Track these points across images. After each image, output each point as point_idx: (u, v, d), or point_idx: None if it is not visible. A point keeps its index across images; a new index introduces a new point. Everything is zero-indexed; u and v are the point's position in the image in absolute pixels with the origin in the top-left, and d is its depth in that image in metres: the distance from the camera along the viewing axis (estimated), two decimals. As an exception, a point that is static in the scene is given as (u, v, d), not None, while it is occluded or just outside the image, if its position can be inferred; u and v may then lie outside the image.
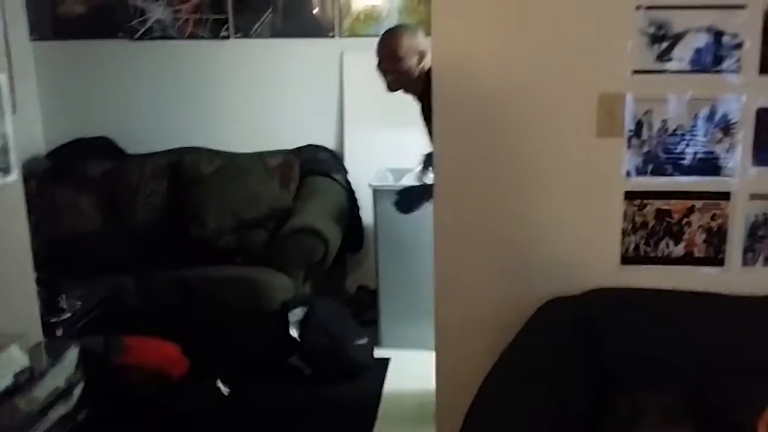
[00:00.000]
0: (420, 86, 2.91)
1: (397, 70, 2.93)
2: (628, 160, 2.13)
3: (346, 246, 4.14)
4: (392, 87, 3.00)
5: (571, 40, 2.10)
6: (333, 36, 4.33)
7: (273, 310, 3.59)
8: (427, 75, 2.85)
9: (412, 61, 2.92)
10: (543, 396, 1.90)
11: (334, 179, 4.21)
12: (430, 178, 3.04)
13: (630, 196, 2.15)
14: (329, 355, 3.53)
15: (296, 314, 3.61)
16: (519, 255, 2.22)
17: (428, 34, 4.21)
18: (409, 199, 3.25)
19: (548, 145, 2.16)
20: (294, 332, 3.55)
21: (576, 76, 2.12)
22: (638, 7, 2.05)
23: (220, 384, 3.19)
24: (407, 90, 3.01)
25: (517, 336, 2.04)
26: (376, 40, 4.28)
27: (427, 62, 2.90)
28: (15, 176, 2.44)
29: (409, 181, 3.60)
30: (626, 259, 2.17)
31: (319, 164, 4.24)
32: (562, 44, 2.10)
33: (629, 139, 2.12)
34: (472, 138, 2.20)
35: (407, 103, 4.13)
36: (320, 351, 3.53)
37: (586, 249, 2.19)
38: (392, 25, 3.12)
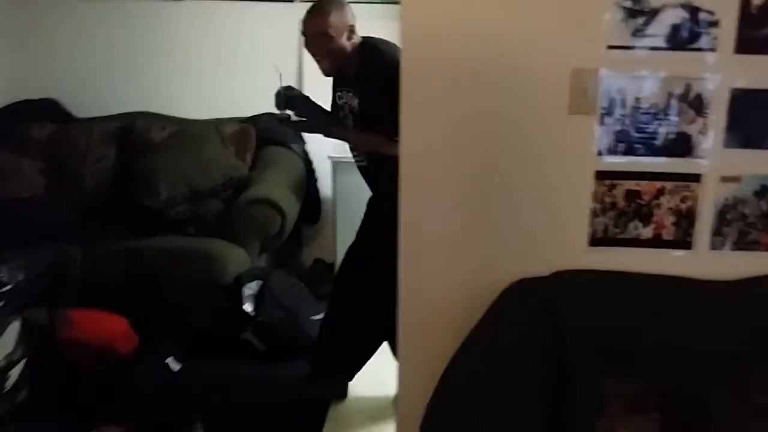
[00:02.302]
0: (356, 61, 2.77)
1: (328, 50, 2.73)
2: (600, 138, 2.06)
3: (303, 218, 4.04)
4: (329, 72, 2.80)
5: (544, 12, 2.01)
6: (292, 0, 4.19)
7: (227, 284, 3.49)
8: (360, 46, 2.76)
9: (343, 39, 2.73)
10: (505, 384, 1.86)
11: (292, 149, 4.10)
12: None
13: (600, 175, 2.08)
14: (284, 330, 3.46)
15: (251, 288, 3.52)
16: (487, 235, 2.15)
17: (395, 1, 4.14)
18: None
19: (519, 121, 2.08)
20: (248, 307, 3.45)
21: (548, 51, 2.03)
22: (615, -20, 1.97)
23: (170, 360, 3.09)
24: (344, 69, 2.80)
25: (479, 322, 1.99)
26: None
27: (356, 36, 2.78)
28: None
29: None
30: (595, 241, 2.12)
31: (277, 134, 4.12)
32: (534, 16, 2.01)
33: (601, 116, 2.05)
34: (439, 113, 2.10)
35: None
36: (275, 326, 3.45)
37: (555, 229, 2.12)
38: (315, 2, 2.84)
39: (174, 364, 3.11)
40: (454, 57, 2.06)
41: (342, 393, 3.14)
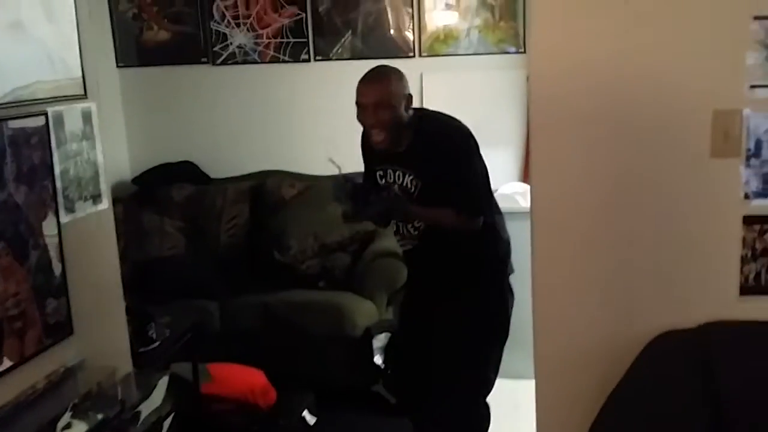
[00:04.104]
0: (410, 135, 2.50)
1: (388, 121, 2.43)
2: (747, 181, 1.96)
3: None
4: (385, 144, 2.48)
5: (682, 52, 1.96)
6: (412, 56, 4.28)
7: (356, 337, 3.52)
8: (413, 118, 2.51)
9: (401, 109, 2.46)
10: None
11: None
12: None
13: (749, 220, 1.98)
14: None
15: (380, 340, 3.53)
16: (626, 283, 2.08)
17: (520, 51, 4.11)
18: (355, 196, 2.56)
19: (657, 165, 2.01)
20: (378, 359, 3.46)
21: (687, 92, 1.97)
22: (756, 18, 1.89)
23: (306, 413, 3.13)
24: (397, 141, 2.50)
25: (625, 376, 1.91)
26: (457, 59, 4.25)
27: (411, 107, 2.52)
28: (105, 205, 2.44)
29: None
30: (745, 290, 2.00)
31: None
32: (671, 56, 1.96)
33: (748, 158, 1.96)
34: (573, 158, 2.07)
35: (491, 124, 4.03)
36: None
37: (701, 278, 2.03)
38: (372, 68, 2.55)
39: (310, 418, 3.15)
40: (585, 102, 2.03)
41: None
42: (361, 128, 2.58)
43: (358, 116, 2.50)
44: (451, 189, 2.47)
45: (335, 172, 2.57)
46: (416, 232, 2.58)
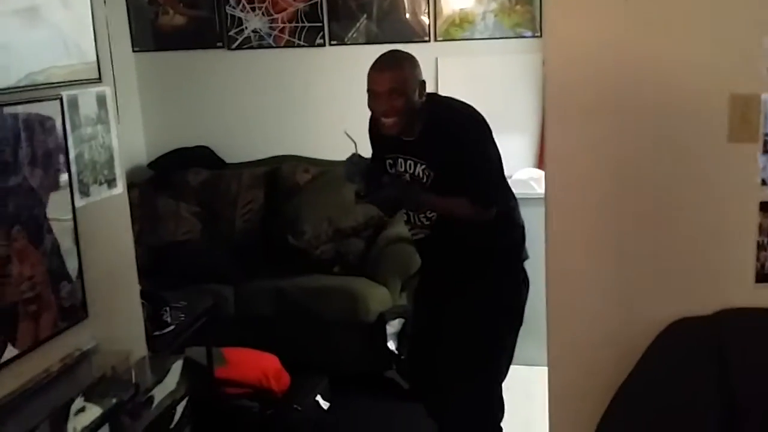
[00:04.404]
0: (422, 122, 2.44)
1: (399, 109, 2.35)
2: (765, 167, 1.93)
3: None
4: (397, 131, 2.42)
5: (699, 35, 1.93)
6: (428, 40, 4.26)
7: (370, 322, 3.53)
8: (426, 105, 2.44)
9: (414, 96, 2.38)
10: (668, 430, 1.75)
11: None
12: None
13: (766, 207, 1.95)
14: (429, 369, 3.43)
15: (393, 326, 3.53)
16: (641, 270, 2.06)
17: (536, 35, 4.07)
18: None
19: (674, 151, 1.99)
20: (392, 345, 3.47)
21: (704, 76, 1.94)
22: (775, 0, 1.86)
23: (319, 398, 3.14)
24: (409, 129, 2.44)
25: (639, 363, 1.90)
26: (473, 43, 4.22)
27: (425, 94, 2.45)
28: (120, 189, 2.45)
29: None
30: (762, 277, 1.98)
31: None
32: (689, 40, 1.93)
33: (765, 144, 1.93)
34: (587, 144, 2.05)
35: (507, 109, 4.01)
36: (419, 365, 3.44)
37: (717, 265, 2.00)
38: (384, 53, 2.47)
39: (323, 402, 3.16)
40: (601, 87, 2.01)
41: None
42: (375, 113, 2.55)
43: (369, 103, 2.42)
44: (464, 178, 2.42)
45: (349, 159, 2.49)
46: (428, 222, 2.55)
